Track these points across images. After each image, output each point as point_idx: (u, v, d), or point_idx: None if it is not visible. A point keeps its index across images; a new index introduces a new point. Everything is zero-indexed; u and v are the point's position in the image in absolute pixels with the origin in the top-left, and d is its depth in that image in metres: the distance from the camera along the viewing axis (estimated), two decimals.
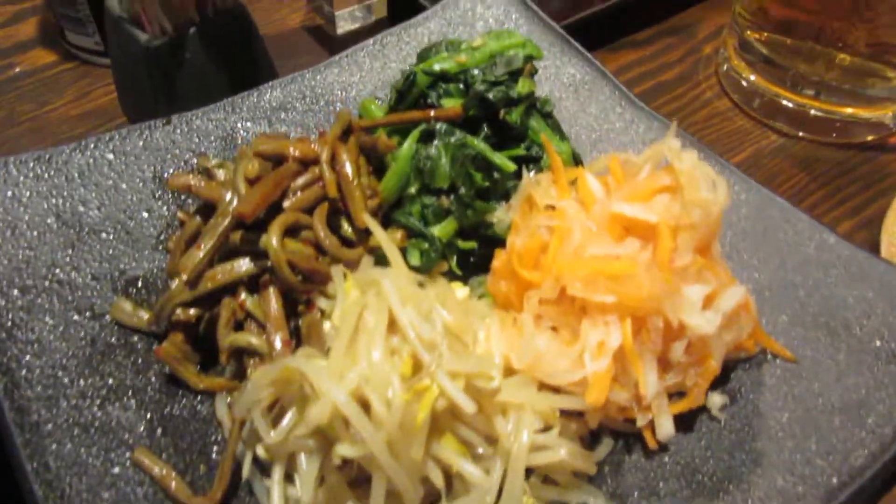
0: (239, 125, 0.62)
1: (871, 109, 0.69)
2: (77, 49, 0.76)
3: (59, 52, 0.78)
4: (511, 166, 0.49)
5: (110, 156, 0.58)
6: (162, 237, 0.56)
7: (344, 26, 0.81)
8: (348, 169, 0.47)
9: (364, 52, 0.68)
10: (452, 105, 0.50)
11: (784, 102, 0.71)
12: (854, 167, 0.69)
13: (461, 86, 0.52)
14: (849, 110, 0.69)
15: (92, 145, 0.57)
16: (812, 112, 0.70)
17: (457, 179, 0.48)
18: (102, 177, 0.57)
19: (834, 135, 0.70)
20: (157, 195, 0.57)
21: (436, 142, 0.49)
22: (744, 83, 0.74)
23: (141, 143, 0.59)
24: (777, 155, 0.70)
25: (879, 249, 0.57)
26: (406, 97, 0.53)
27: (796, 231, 0.55)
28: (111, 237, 0.54)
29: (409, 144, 0.49)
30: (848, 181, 0.67)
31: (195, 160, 0.59)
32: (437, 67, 0.52)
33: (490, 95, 0.50)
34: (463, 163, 0.48)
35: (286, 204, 0.46)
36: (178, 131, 0.60)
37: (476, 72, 0.51)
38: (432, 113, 0.50)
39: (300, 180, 0.47)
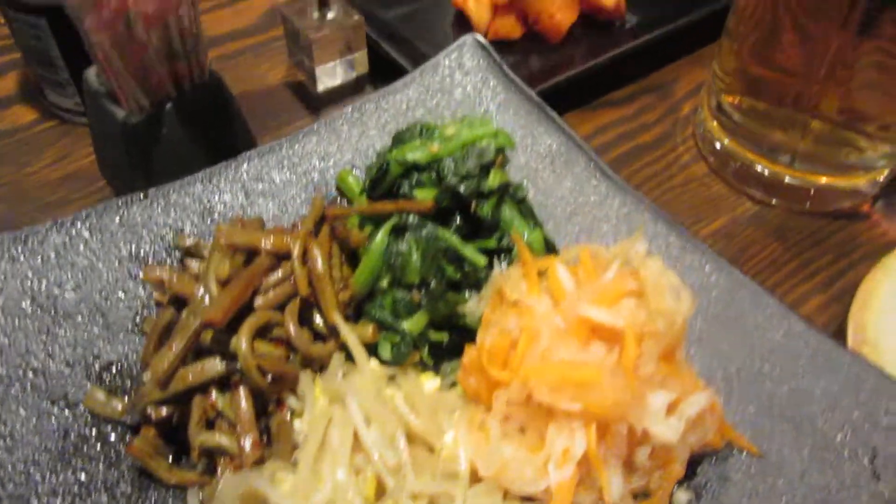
0: (216, 198, 0.62)
1: (845, 178, 0.70)
2: (57, 108, 0.76)
3: (39, 109, 0.78)
4: (482, 261, 0.50)
5: (87, 234, 0.58)
6: (138, 318, 0.56)
7: (325, 82, 0.81)
8: (319, 266, 0.47)
9: (342, 120, 0.68)
10: (425, 196, 0.51)
11: (758, 169, 0.72)
12: (827, 236, 0.70)
13: (434, 175, 0.52)
14: (823, 179, 0.70)
15: (69, 223, 0.58)
16: (786, 179, 0.71)
17: (427, 274, 0.49)
18: (79, 256, 0.57)
19: (808, 204, 0.71)
20: (132, 274, 0.57)
21: (407, 235, 0.49)
22: (719, 147, 0.74)
23: (118, 220, 0.59)
24: (751, 223, 0.70)
25: (847, 332, 0.58)
26: (380, 184, 0.53)
27: (766, 316, 0.55)
28: (86, 320, 0.55)
29: (380, 238, 0.50)
30: (820, 252, 0.68)
31: (171, 235, 0.60)
32: (409, 157, 0.52)
33: (461, 189, 0.50)
34: (434, 257, 0.49)
35: (258, 302, 0.47)
36: (156, 206, 0.60)
37: (448, 162, 0.52)
38: (404, 206, 0.50)
39: (272, 277, 0.48)
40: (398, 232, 0.50)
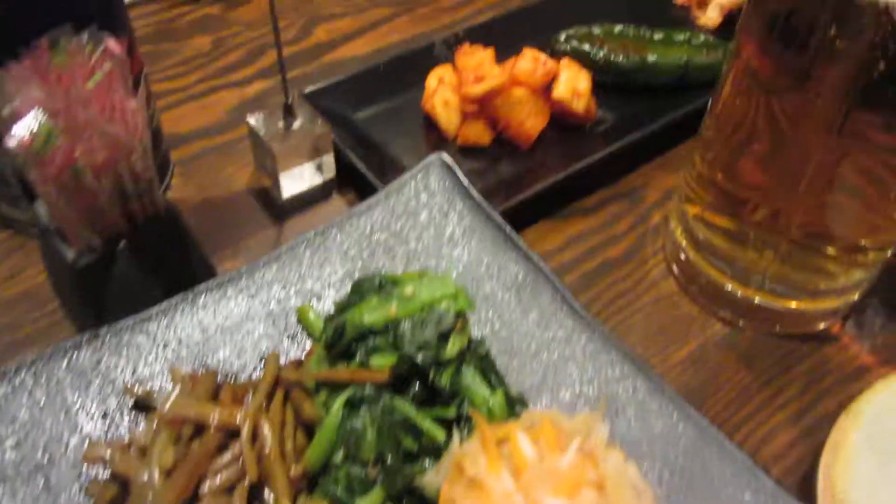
0: (172, 334, 0.60)
1: (816, 303, 0.69)
2: (11, 220, 0.74)
3: None
4: (440, 434, 0.48)
5: (30, 383, 0.55)
6: (83, 476, 0.53)
7: (290, 189, 0.80)
8: (269, 448, 0.46)
9: (304, 246, 0.66)
10: (381, 363, 0.49)
11: (728, 289, 0.70)
12: (797, 362, 0.69)
13: (391, 338, 0.51)
14: (793, 304, 0.69)
15: (12, 373, 0.55)
16: (756, 300, 0.70)
17: (384, 449, 0.47)
18: (21, 410, 0.54)
19: (777, 326, 0.70)
20: (79, 427, 0.55)
21: (362, 410, 0.48)
22: (687, 264, 0.73)
23: (65, 365, 0.57)
24: (721, 347, 0.69)
25: (817, 477, 0.57)
26: (336, 345, 0.52)
27: (733, 472, 0.54)
28: (26, 484, 0.52)
29: (334, 414, 0.48)
30: (788, 380, 0.67)
31: (123, 379, 0.58)
32: (366, 320, 0.51)
33: (419, 359, 0.49)
34: (390, 430, 0.47)
35: (205, 489, 0.45)
36: (106, 347, 0.58)
37: (406, 327, 0.50)
38: (360, 376, 0.48)
39: (221, 458, 0.46)
40: (353, 404, 0.48)
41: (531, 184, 0.77)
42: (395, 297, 0.52)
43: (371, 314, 0.51)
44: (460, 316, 0.52)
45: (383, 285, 0.54)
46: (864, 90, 0.53)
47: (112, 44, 0.51)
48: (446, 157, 0.70)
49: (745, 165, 0.67)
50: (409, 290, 0.52)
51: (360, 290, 0.55)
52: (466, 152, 0.82)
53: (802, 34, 0.52)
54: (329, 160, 0.81)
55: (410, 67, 0.89)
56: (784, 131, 0.61)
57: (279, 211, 0.79)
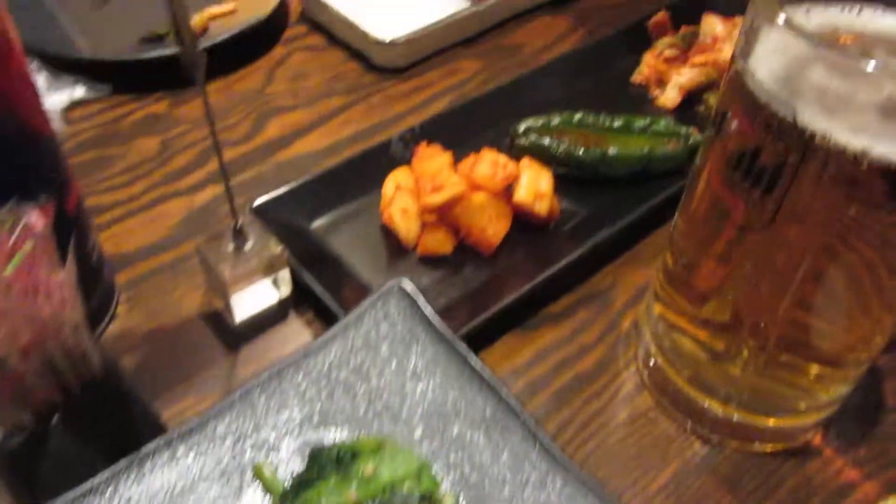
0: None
1: (796, 419, 0.67)
2: None
3: None
4: None
5: None
6: None
7: (244, 312, 0.75)
8: None
9: (258, 390, 0.62)
10: None
11: (704, 406, 0.68)
12: (780, 482, 0.66)
13: None
14: (771, 422, 0.67)
15: None
16: (734, 418, 0.67)
17: None
18: None
19: (756, 444, 0.68)
20: None
21: None
22: (659, 375, 0.71)
23: None
24: (703, 470, 0.66)
25: None
26: None
27: None
28: None
29: None
30: None
31: None
32: None
33: None
34: None
35: None
36: None
37: None
38: None
39: None
40: None
41: (495, 296, 0.74)
42: (354, 478, 0.48)
43: (329, 498, 0.47)
44: (425, 499, 0.48)
45: (341, 458, 0.50)
46: (837, 229, 0.51)
47: (34, 218, 0.47)
48: (406, 283, 0.67)
49: (719, 272, 0.63)
50: (369, 468, 0.49)
51: (317, 463, 0.51)
52: (427, 262, 0.79)
53: (767, 177, 0.50)
54: (285, 275, 0.77)
55: (366, 168, 0.86)
56: (759, 249, 0.58)
57: (233, 337, 0.75)
